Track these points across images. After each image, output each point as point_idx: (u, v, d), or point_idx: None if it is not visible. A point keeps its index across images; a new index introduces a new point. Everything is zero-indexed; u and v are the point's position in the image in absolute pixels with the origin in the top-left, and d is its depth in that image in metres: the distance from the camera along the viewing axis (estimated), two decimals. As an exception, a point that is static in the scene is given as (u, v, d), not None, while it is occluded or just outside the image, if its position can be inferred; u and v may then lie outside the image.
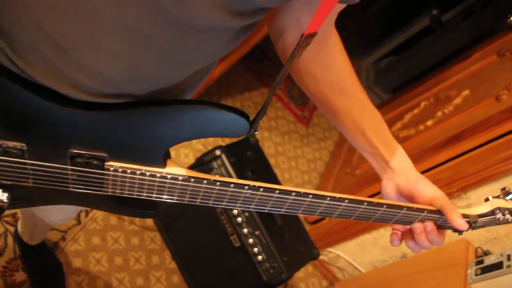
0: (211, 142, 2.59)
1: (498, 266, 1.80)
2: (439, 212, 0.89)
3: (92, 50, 0.62)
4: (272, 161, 2.21)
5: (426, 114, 2.70)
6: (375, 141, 0.91)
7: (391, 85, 3.87)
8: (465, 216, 0.91)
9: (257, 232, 1.84)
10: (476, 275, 1.83)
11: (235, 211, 1.85)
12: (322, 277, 2.70)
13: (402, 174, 0.92)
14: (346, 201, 0.83)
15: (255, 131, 0.74)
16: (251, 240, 1.84)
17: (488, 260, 1.86)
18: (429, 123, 2.57)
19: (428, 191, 0.90)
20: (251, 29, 0.70)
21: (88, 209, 2.00)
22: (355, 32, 3.88)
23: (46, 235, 1.79)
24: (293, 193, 0.79)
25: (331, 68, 0.87)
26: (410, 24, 3.76)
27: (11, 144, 0.68)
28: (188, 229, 2.08)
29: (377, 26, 4.11)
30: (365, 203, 0.85)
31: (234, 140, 2.08)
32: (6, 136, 0.68)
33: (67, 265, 1.85)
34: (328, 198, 0.82)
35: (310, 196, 0.80)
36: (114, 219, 2.06)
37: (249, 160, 1.95)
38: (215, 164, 1.81)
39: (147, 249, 2.10)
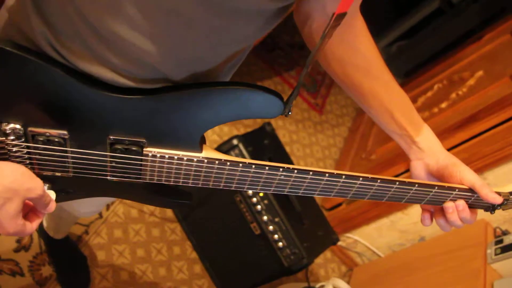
0: (227, 132, 2.61)
1: (518, 245, 1.81)
2: (470, 190, 0.90)
3: (132, 35, 0.63)
4: (287, 149, 2.22)
5: (440, 97, 2.69)
6: (404, 122, 0.91)
7: (403, 69, 3.85)
8: (497, 193, 0.91)
9: (276, 219, 1.85)
10: (495, 254, 1.83)
11: (254, 199, 1.86)
12: (341, 262, 2.71)
13: (431, 154, 0.93)
14: (379, 181, 0.84)
15: (289, 111, 0.76)
16: (271, 227, 1.86)
17: (508, 240, 1.87)
18: (443, 105, 2.56)
19: (458, 170, 0.91)
20: (285, 11, 0.71)
21: (109, 202, 2.03)
22: (365, 17, 3.86)
23: (70, 229, 1.82)
24: (327, 175, 0.80)
25: (358, 50, 0.88)
26: (420, 7, 3.74)
27: (54, 132, 0.70)
28: (208, 219, 2.10)
29: (387, 10, 4.09)
30: (397, 183, 0.85)
31: (250, 129, 2.09)
32: (48, 124, 0.70)
33: (91, 258, 1.89)
34: (361, 179, 0.82)
35: (343, 177, 0.81)
36: (135, 211, 2.09)
37: (266, 148, 1.97)
38: (232, 154, 1.82)
39: (168, 240, 2.13)
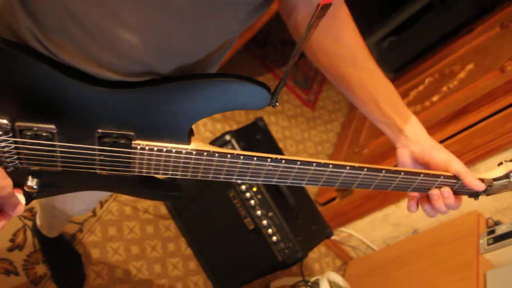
0: (219, 129, 2.61)
1: (510, 235, 1.82)
2: (455, 177, 0.91)
3: (118, 28, 0.64)
4: (280, 145, 2.23)
5: (431, 90, 2.70)
6: (389, 111, 0.92)
7: (395, 64, 3.87)
8: (481, 180, 0.92)
9: (270, 214, 1.86)
10: (488, 244, 1.85)
11: (247, 194, 1.87)
12: (336, 256, 2.73)
13: (417, 142, 0.94)
14: (365, 169, 0.85)
15: (276, 103, 0.76)
16: (264, 222, 1.86)
17: (500, 230, 1.88)
18: (434, 98, 2.57)
19: (443, 157, 0.92)
20: (270, 3, 0.72)
21: (103, 200, 2.03)
22: (356, 13, 3.87)
23: (64, 227, 1.82)
24: (314, 164, 0.81)
25: (343, 41, 0.89)
26: (411, 2, 3.75)
27: (42, 126, 0.70)
28: (202, 215, 2.11)
29: (378, 6, 4.10)
30: (384, 171, 0.86)
31: (242, 125, 2.10)
32: (35, 119, 0.69)
33: (86, 256, 1.89)
34: (348, 168, 0.83)
35: (331, 166, 0.82)
36: (129, 209, 2.10)
37: (259, 144, 1.97)
38: (225, 149, 1.83)
39: (162, 237, 2.14)
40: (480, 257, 1.84)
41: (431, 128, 2.32)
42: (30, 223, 1.80)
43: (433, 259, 2.10)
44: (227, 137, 1.86)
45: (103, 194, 1.28)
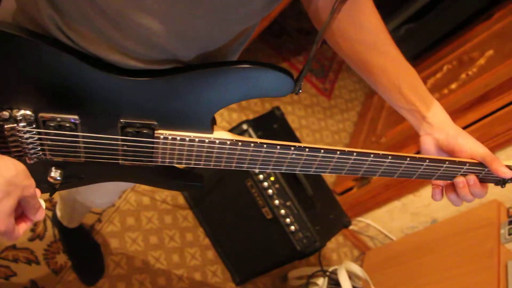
0: (235, 119, 2.61)
1: (531, 224, 1.80)
2: (481, 164, 0.90)
3: (141, 14, 0.63)
4: (297, 134, 2.22)
5: (449, 78, 2.67)
6: (412, 97, 0.91)
7: (412, 52, 3.82)
8: (508, 167, 0.91)
9: (288, 203, 1.86)
10: (509, 234, 1.83)
11: (265, 184, 1.87)
12: (353, 246, 2.72)
13: (441, 129, 0.92)
14: (390, 157, 0.84)
15: (299, 90, 0.76)
16: (283, 211, 1.86)
17: (521, 219, 1.86)
18: (453, 86, 2.54)
19: (468, 144, 0.90)
20: None
21: (123, 191, 2.04)
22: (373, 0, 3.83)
23: (84, 218, 1.84)
24: (338, 152, 0.80)
25: (364, 26, 0.87)
26: (428, -12, 3.69)
27: (65, 117, 0.70)
28: (219, 205, 2.11)
29: (394, -7, 4.05)
30: (408, 159, 0.85)
31: (258, 115, 2.09)
32: (58, 109, 0.70)
33: (105, 246, 1.90)
34: (372, 155, 0.83)
35: (355, 154, 0.81)
36: (147, 199, 2.11)
37: (276, 133, 1.96)
38: (242, 139, 1.82)
39: (180, 227, 2.15)
40: (501, 247, 1.82)
41: (450, 116, 2.26)
42: (50, 214, 1.81)
43: (453, 249, 2.07)
44: (244, 126, 1.86)
45: (125, 186, 1.29)
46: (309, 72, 3.32)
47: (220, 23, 0.68)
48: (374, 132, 2.98)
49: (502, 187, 0.96)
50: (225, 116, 2.60)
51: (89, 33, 0.66)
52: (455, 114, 2.25)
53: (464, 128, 2.12)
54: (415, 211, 2.41)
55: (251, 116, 2.69)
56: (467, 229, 2.09)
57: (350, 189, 2.69)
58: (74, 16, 0.65)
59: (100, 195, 1.25)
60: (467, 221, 2.15)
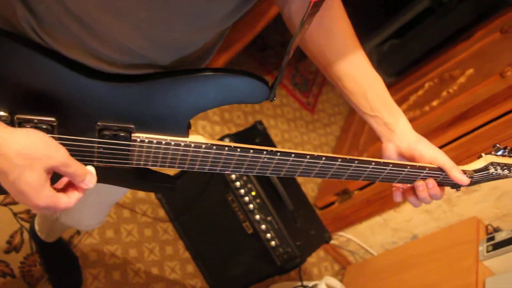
0: (218, 132, 2.61)
1: (509, 242, 1.81)
2: (439, 169, 0.95)
3: (115, 21, 0.63)
4: (279, 148, 2.23)
5: (431, 95, 2.70)
6: (377, 104, 0.94)
7: (395, 68, 3.87)
8: (464, 172, 0.96)
9: (269, 218, 1.85)
10: (487, 251, 1.84)
11: (246, 198, 1.86)
12: (334, 261, 2.72)
13: (402, 136, 0.96)
14: (356, 161, 0.88)
15: (274, 97, 0.77)
16: (263, 226, 1.85)
17: (499, 237, 1.88)
18: (434, 103, 2.57)
19: (428, 151, 0.95)
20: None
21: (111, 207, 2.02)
22: (356, 16, 3.87)
23: (63, 233, 1.81)
24: (308, 157, 0.84)
25: (334, 33, 0.90)
26: (411, 6, 3.75)
27: (42, 119, 0.69)
28: (200, 218, 2.10)
29: (378, 10, 4.10)
30: (373, 163, 0.90)
31: (241, 129, 2.09)
32: (35, 111, 0.69)
33: (83, 258, 1.88)
34: (340, 160, 0.87)
35: (323, 158, 0.85)
36: (127, 211, 2.09)
37: (258, 147, 1.96)
38: (224, 153, 1.82)
39: (160, 240, 2.13)
40: (479, 264, 1.84)
41: (431, 133, 2.31)
42: (27, 225, 1.78)
43: (432, 265, 2.09)
44: (227, 140, 1.86)
45: (112, 201, 1.25)
46: (293, 86, 3.34)
47: (195, 29, 0.70)
48: (356, 147, 3.00)
49: (457, 190, 1.02)
50: (208, 129, 2.59)
51: (65, 38, 0.67)
52: (435, 131, 2.28)
53: (444, 145, 2.16)
54: (395, 227, 2.42)
55: (233, 129, 2.69)
56: (446, 245, 2.10)
57: (332, 203, 2.69)
58: (50, 21, 0.66)
59: (88, 215, 1.22)
60: (446, 237, 2.16)
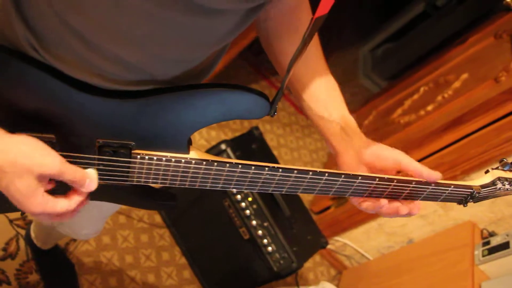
0: (214, 137, 2.61)
1: (504, 246, 1.82)
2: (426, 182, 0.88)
3: (116, 38, 0.64)
4: (275, 153, 2.23)
5: (426, 99, 2.71)
6: (333, 111, 0.89)
7: (389, 72, 3.88)
8: (468, 187, 0.92)
9: (265, 224, 1.85)
10: (483, 256, 1.85)
11: (243, 204, 1.86)
12: (330, 265, 2.72)
13: (360, 142, 0.89)
14: (360, 177, 0.84)
15: (275, 112, 0.76)
16: (260, 232, 1.86)
17: (495, 241, 1.88)
18: (429, 108, 2.58)
19: (391, 154, 0.87)
20: (258, 11, 0.72)
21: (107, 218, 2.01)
22: (351, 20, 3.90)
23: (59, 240, 1.80)
24: (310, 173, 0.81)
25: (298, 31, 0.85)
26: (405, 10, 3.77)
27: (42, 136, 0.69)
28: (197, 224, 2.10)
29: (372, 14, 4.12)
30: (377, 179, 0.84)
31: (237, 134, 2.09)
32: (35, 128, 0.69)
33: (79, 265, 1.87)
34: (343, 176, 0.83)
35: (326, 174, 0.81)
36: (123, 217, 2.08)
37: (254, 153, 1.97)
38: (220, 159, 1.82)
39: (156, 246, 2.12)
40: (475, 268, 1.84)
41: (426, 137, 2.32)
42: (23, 232, 1.78)
43: (428, 269, 2.09)
44: (223, 146, 1.86)
45: (110, 211, 1.25)
46: (288, 90, 3.34)
47: (196, 45, 0.70)
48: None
49: (464, 206, 0.96)
50: (204, 134, 2.59)
51: (65, 55, 0.66)
52: (431, 136, 2.29)
53: (439, 150, 2.17)
54: (391, 231, 2.43)
55: (229, 134, 2.69)
56: (442, 250, 2.11)
57: (328, 208, 2.70)
58: (50, 39, 0.66)
59: (85, 224, 1.22)
60: (442, 242, 2.17)
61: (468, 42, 2.80)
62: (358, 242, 2.59)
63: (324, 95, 0.89)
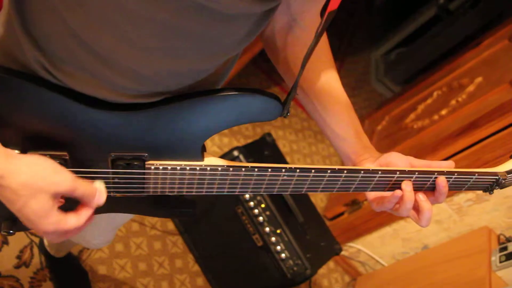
0: (227, 144, 2.61)
1: (522, 252, 1.79)
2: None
3: (130, 52, 0.63)
4: (287, 159, 2.22)
5: (439, 104, 2.69)
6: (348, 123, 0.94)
7: (402, 77, 3.86)
8: (493, 174, 0.90)
9: (279, 230, 1.84)
10: (500, 262, 1.82)
11: (256, 211, 1.86)
12: (344, 272, 2.70)
13: (374, 154, 0.91)
14: (380, 172, 0.83)
15: (288, 112, 0.76)
16: (273, 239, 1.85)
17: (512, 247, 1.85)
18: (443, 112, 2.55)
19: (402, 160, 0.88)
20: (271, 14, 0.71)
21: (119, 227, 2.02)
22: (363, 25, 3.89)
23: (72, 248, 1.81)
24: (329, 171, 0.80)
25: (301, 42, 0.88)
26: (418, 14, 3.75)
27: (54, 153, 0.69)
28: (210, 231, 2.09)
29: (384, 18, 4.10)
30: (398, 172, 0.84)
31: (250, 140, 2.09)
32: (47, 147, 0.69)
33: (93, 273, 1.87)
34: (362, 172, 0.83)
35: (345, 171, 0.81)
36: (136, 225, 2.08)
37: (267, 159, 1.96)
38: (233, 165, 1.82)
39: (170, 253, 2.12)
40: (492, 274, 1.81)
41: (441, 142, 2.30)
42: (37, 240, 1.79)
43: (444, 275, 2.06)
44: (235, 153, 1.86)
45: (120, 222, 1.25)
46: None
47: (208, 55, 0.69)
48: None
49: (490, 193, 0.94)
50: (216, 141, 2.59)
51: (76, 72, 0.66)
52: (445, 140, 2.27)
53: (454, 155, 2.14)
54: (406, 237, 2.40)
55: (242, 141, 2.69)
56: (458, 256, 2.08)
57: (341, 214, 2.68)
58: (61, 56, 0.65)
59: (96, 234, 1.22)
60: (458, 248, 2.14)
61: (481, 45, 2.78)
62: (373, 248, 2.56)
63: (344, 116, 0.93)
